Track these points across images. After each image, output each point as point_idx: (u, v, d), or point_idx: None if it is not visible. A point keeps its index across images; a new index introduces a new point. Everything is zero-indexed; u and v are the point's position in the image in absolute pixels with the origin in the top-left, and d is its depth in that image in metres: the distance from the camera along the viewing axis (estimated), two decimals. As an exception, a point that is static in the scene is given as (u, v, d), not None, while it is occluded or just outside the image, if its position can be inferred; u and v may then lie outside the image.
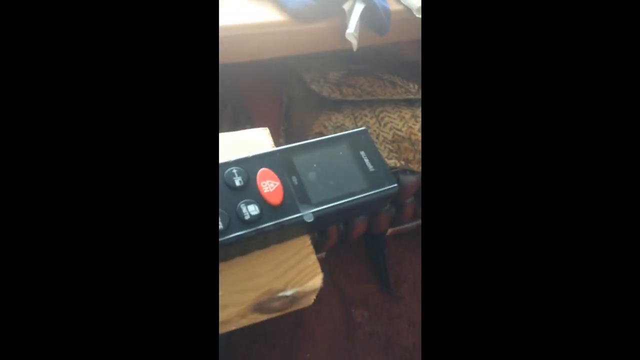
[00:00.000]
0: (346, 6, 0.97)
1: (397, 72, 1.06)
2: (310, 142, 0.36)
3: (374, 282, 1.12)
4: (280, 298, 0.34)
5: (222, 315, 0.33)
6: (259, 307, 0.34)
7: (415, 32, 1.12)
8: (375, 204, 0.36)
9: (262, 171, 0.33)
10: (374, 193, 0.34)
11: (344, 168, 0.35)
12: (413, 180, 0.99)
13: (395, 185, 0.35)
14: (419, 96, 1.01)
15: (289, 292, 0.34)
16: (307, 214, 0.32)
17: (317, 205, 0.33)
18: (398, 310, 1.09)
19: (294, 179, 0.34)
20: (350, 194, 0.34)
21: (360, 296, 1.10)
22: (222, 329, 0.35)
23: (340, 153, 0.36)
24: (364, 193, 0.34)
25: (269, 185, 0.33)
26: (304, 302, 0.37)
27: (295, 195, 0.33)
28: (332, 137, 0.36)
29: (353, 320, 1.06)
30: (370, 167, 0.35)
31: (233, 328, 0.36)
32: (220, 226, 0.30)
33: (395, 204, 1.05)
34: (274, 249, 0.35)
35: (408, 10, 1.02)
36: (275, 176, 0.33)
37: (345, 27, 0.93)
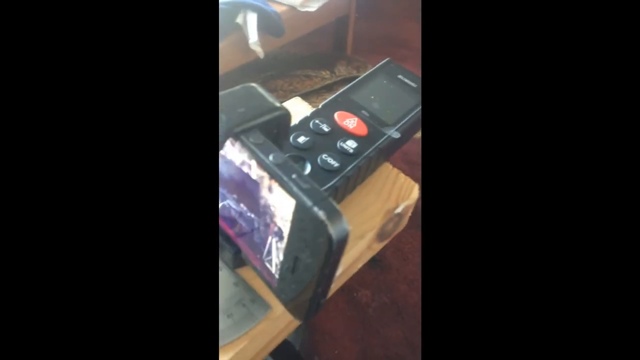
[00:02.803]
0: (239, 20, 1.01)
1: (304, 66, 1.11)
2: (356, 82, 0.39)
3: (362, 261, 1.15)
4: (393, 218, 0.37)
5: (355, 249, 0.35)
6: (381, 233, 0.36)
7: (301, 28, 1.18)
8: (429, 113, 0.40)
9: (339, 114, 0.36)
10: (427, 102, 0.39)
11: (395, 92, 0.39)
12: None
13: (437, 92, 0.40)
14: (334, 79, 1.07)
15: (400, 209, 0.37)
16: (393, 131, 0.36)
17: (395, 124, 0.36)
18: (391, 276, 1.14)
19: (364, 112, 0.37)
20: (413, 108, 0.38)
21: (355, 279, 1.13)
22: (352, 269, 0.37)
23: (384, 82, 0.40)
24: (420, 104, 0.38)
25: (351, 122, 0.36)
26: (405, 221, 0.39)
27: (374, 123, 0.36)
28: (369, 73, 0.40)
29: (360, 303, 1.08)
30: (412, 84, 0.40)
31: (360, 265, 0.38)
32: (336, 165, 0.33)
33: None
34: (368, 183, 0.38)
35: (292, 8, 1.08)
36: (351, 114, 0.36)
37: (246, 39, 0.97)
